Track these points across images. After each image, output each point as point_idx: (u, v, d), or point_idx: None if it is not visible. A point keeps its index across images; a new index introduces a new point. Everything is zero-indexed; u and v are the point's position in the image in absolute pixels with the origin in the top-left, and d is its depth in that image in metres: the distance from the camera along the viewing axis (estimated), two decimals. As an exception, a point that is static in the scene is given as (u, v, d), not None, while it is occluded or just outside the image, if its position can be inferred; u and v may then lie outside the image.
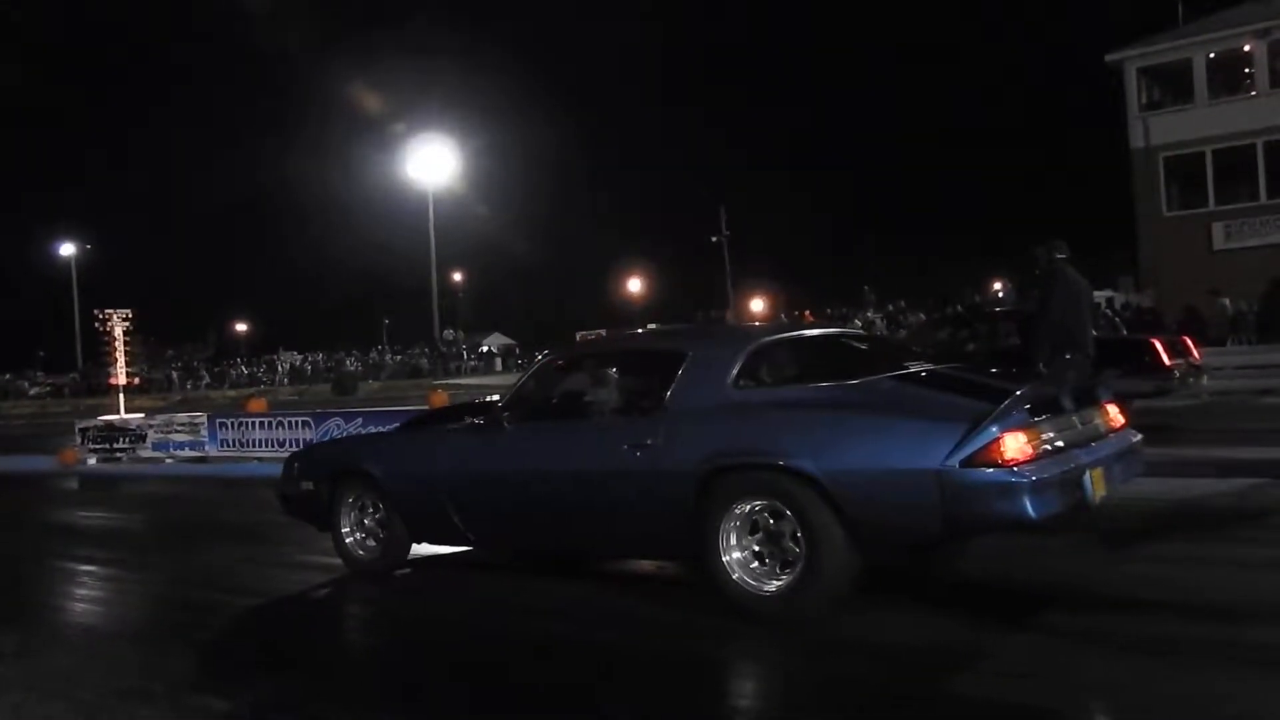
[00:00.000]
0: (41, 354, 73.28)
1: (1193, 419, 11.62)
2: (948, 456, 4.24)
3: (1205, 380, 11.76)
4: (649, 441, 5.01)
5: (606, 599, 5.43)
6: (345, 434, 12.43)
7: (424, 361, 47.17)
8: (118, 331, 20.27)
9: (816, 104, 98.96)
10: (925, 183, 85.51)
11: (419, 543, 6.33)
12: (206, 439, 15.18)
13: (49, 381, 62.64)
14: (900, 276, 49.71)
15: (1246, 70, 30.15)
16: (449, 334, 52.45)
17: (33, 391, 60.42)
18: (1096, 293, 15.18)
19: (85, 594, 6.96)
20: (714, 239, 54.29)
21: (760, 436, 4.76)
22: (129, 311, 20.67)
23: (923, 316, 30.24)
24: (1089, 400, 5.09)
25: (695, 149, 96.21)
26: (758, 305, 52.89)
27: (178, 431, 15.73)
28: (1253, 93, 29.65)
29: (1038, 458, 4.35)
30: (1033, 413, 4.47)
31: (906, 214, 79.31)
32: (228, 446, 14.88)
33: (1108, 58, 31.50)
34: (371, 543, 6.31)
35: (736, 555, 4.74)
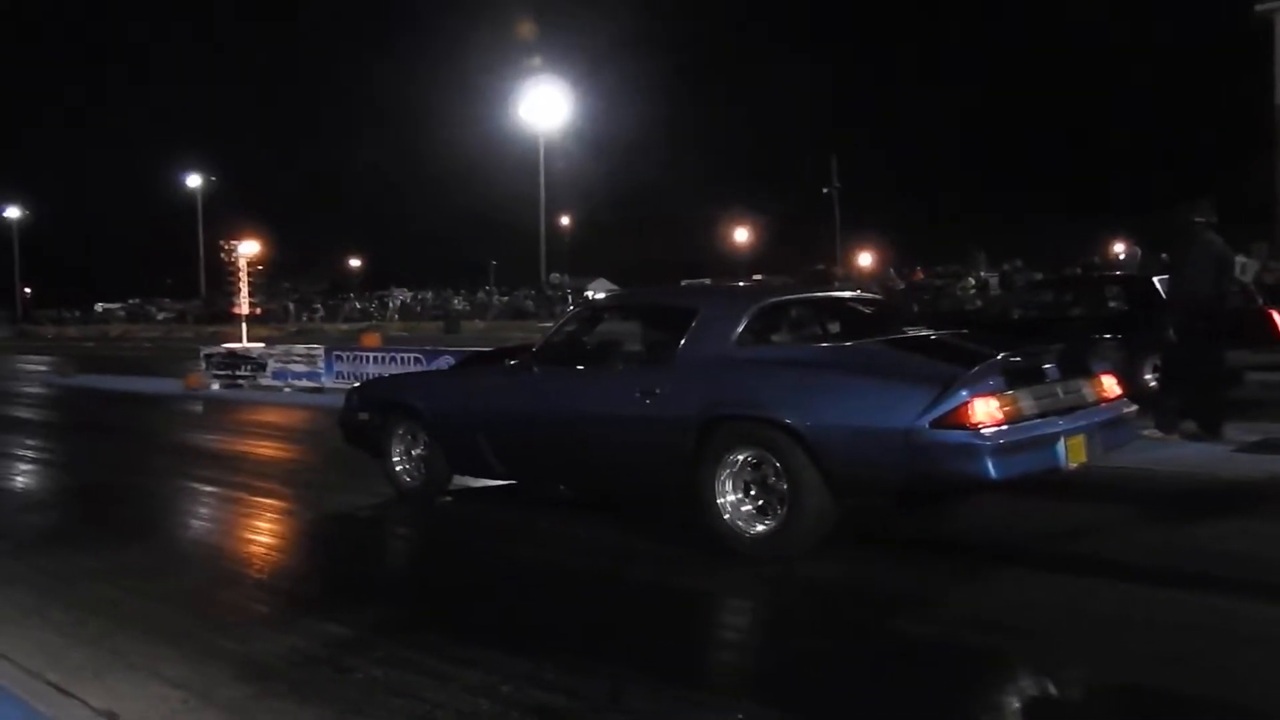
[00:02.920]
0: (169, 281, 76.59)
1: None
2: (918, 417, 4.57)
3: None
4: (657, 390, 5.43)
5: (620, 535, 5.83)
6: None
7: (529, 303, 47.74)
8: (241, 262, 20.95)
9: (937, 52, 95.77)
10: (1052, 138, 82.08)
11: (458, 474, 6.86)
12: (323, 370, 15.64)
13: (175, 307, 65.47)
14: (1021, 235, 47.94)
15: None
16: (555, 277, 52.84)
17: (160, 316, 63.27)
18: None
19: (210, 514, 7.32)
20: (825, 190, 53.44)
21: (752, 391, 5.15)
22: (253, 243, 21.37)
23: (1038, 277, 29.31)
24: (1079, 370, 5.28)
25: (811, 96, 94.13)
26: (865, 260, 51.91)
27: (296, 362, 16.24)
28: None
29: (1007, 422, 4.62)
30: (1008, 379, 4.75)
31: (1030, 171, 76.25)
32: (342, 379, 15.29)
33: (1257, 8, 29.66)
34: (416, 471, 6.85)
35: (729, 499, 5.15)
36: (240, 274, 20.82)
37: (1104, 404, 5.32)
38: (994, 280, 33.57)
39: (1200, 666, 3.60)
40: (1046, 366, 5.08)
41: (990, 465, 4.49)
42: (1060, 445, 4.83)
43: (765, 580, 4.83)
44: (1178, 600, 4.34)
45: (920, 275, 37.49)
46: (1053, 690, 3.57)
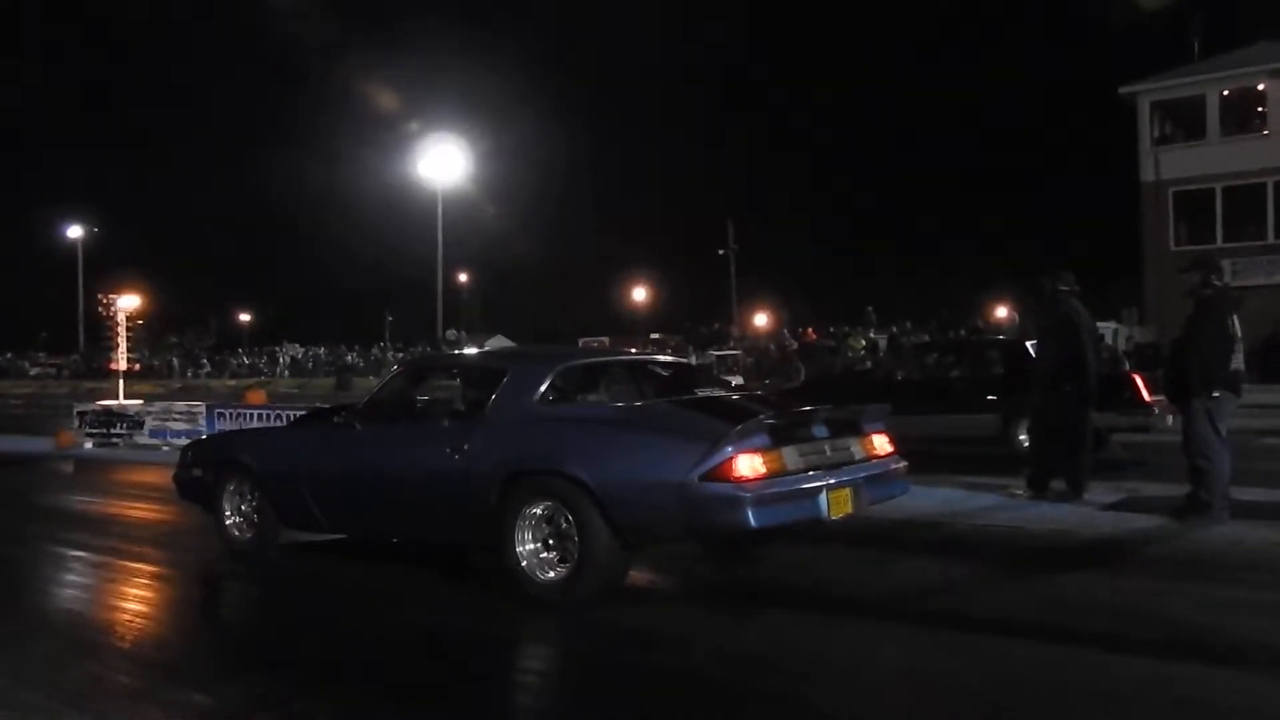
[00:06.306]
0: (44, 335, 73.27)
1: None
2: (690, 470, 4.92)
3: None
4: (466, 447, 5.74)
5: (442, 586, 6.26)
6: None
7: (425, 360, 47.15)
8: (120, 316, 20.25)
9: (829, 126, 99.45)
10: (935, 207, 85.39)
11: (288, 528, 6.90)
12: (204, 428, 15.15)
13: (50, 362, 62.71)
14: (910, 298, 49.52)
15: (1260, 109, 30.23)
16: (452, 334, 52.24)
17: (33, 372, 60.50)
18: (1101, 325, 15.17)
19: (75, 580, 6.96)
20: (721, 252, 54.36)
21: (547, 447, 5.50)
22: (134, 296, 20.69)
23: (926, 338, 30.28)
24: (848, 429, 5.69)
25: (707, 159, 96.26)
26: (761, 320, 52.83)
27: (175, 420, 15.75)
28: (1265, 132, 29.72)
29: (769, 476, 4.97)
30: (774, 437, 5.10)
31: (916, 237, 79.13)
32: (225, 437, 14.85)
33: (1121, 90, 31.57)
34: (246, 526, 6.99)
35: (528, 548, 5.47)
36: (118, 328, 20.11)
37: (873, 460, 5.72)
38: (881, 341, 34.50)
39: (1026, 714, 3.76)
40: (815, 426, 5.45)
41: (750, 515, 4.84)
42: (822, 498, 5.19)
43: (569, 626, 5.13)
44: (1007, 650, 4.51)
45: (813, 335, 38.29)
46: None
